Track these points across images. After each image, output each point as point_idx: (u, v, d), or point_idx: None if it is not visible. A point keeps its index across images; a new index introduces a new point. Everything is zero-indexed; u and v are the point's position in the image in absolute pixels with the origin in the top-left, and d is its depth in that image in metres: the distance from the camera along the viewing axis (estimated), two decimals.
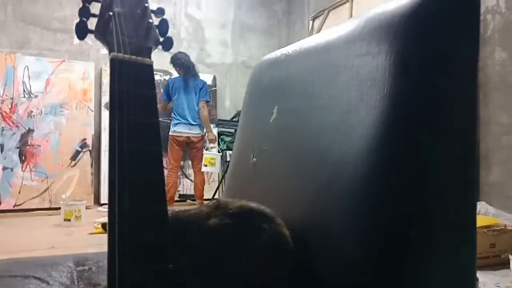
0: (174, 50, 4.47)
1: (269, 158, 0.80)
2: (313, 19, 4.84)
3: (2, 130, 4.03)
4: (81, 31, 0.49)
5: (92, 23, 0.50)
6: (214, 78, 5.02)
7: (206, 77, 4.73)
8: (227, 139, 4.70)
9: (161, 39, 0.53)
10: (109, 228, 0.36)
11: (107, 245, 0.37)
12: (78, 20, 0.49)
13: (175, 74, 4.18)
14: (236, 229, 0.57)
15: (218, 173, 4.54)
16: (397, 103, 0.55)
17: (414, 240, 0.53)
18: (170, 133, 4.03)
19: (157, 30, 0.52)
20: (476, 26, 0.55)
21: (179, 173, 4.40)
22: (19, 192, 4.01)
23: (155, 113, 0.43)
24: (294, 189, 0.69)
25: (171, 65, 4.10)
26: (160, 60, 4.42)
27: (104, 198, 4.33)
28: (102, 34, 0.47)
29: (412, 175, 0.53)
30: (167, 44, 0.53)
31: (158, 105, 4.27)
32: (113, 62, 0.44)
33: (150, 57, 0.47)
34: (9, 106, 4.07)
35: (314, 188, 0.63)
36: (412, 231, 0.53)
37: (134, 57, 0.45)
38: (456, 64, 0.54)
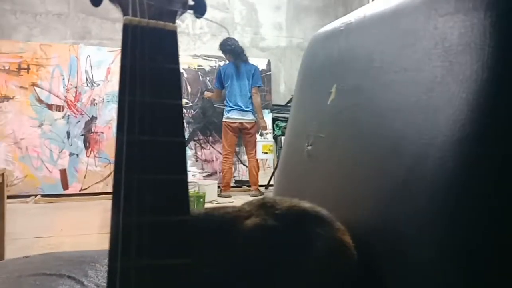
0: (228, 34, 4.41)
1: (327, 147, 0.68)
2: None
3: (68, 118, 4.23)
4: None
5: None
6: (269, 63, 4.89)
7: (260, 61, 4.63)
8: (282, 124, 4.57)
9: (192, 3, 0.43)
10: (111, 244, 0.27)
11: (109, 246, 0.28)
12: None
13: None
14: (282, 233, 0.46)
15: (273, 159, 4.46)
16: (502, 75, 0.40)
17: None
18: (223, 120, 4.02)
19: None
20: None
21: (235, 159, 4.37)
22: (84, 177, 4.20)
23: (178, 92, 0.34)
24: (358, 186, 0.56)
25: (221, 51, 4.04)
26: (215, 44, 4.38)
27: None
28: None
29: None
30: (200, 8, 0.43)
31: (211, 94, 4.27)
32: (126, 29, 0.34)
33: (174, 22, 0.37)
34: (74, 95, 4.25)
35: (385, 187, 0.50)
36: None
37: (153, 21, 0.36)
38: None
